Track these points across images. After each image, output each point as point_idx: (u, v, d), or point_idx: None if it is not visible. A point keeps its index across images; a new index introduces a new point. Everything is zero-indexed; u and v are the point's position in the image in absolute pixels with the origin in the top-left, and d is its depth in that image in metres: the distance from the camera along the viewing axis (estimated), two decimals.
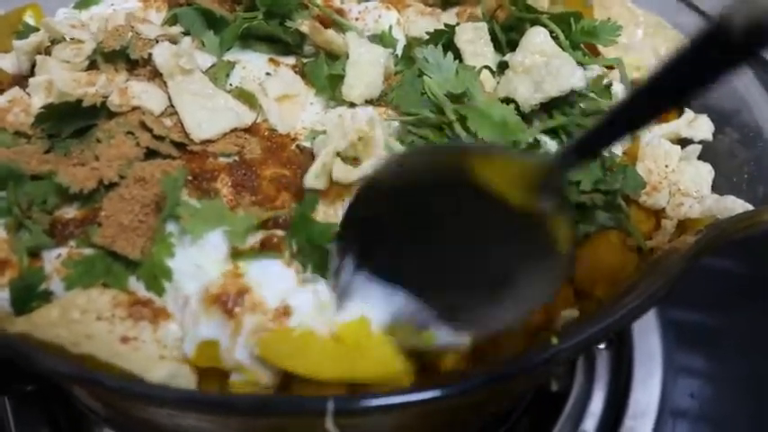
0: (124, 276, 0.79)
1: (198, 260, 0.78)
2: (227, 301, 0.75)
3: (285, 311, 0.75)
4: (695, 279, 1.29)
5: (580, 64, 0.93)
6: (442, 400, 0.66)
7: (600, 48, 1.02)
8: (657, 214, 0.92)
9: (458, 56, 0.95)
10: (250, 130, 0.91)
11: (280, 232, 0.81)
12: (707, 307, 1.36)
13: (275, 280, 0.77)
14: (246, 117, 0.90)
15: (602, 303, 0.83)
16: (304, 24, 0.96)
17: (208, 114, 0.88)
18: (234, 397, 0.71)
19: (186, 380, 0.75)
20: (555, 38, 0.95)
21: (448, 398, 0.66)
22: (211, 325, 0.75)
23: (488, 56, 0.96)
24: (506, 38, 0.99)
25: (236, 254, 0.78)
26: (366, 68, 0.92)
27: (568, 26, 0.97)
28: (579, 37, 0.97)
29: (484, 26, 0.97)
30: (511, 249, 0.71)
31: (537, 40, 0.93)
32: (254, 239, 0.80)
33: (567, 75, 0.87)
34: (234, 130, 0.89)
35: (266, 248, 0.79)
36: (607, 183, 0.85)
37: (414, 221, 0.73)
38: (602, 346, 1.26)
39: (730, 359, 1.30)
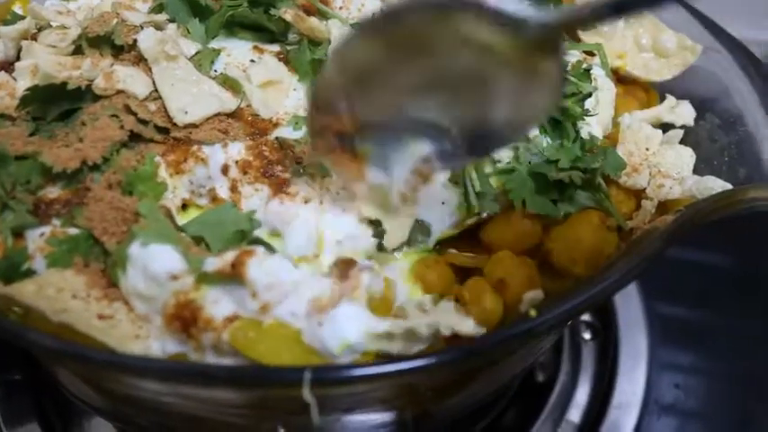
0: (104, 258, 0.80)
1: (147, 263, 0.76)
2: (182, 324, 0.75)
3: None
4: (682, 274, 1.32)
5: None
6: (422, 371, 0.67)
7: (580, 34, 1.04)
8: (638, 195, 0.92)
9: None
10: (234, 114, 0.91)
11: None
12: (693, 301, 1.38)
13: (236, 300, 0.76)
14: (230, 103, 0.91)
15: (582, 281, 0.83)
16: (287, 13, 0.97)
17: (192, 99, 0.89)
18: (210, 367, 0.71)
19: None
20: None
21: (428, 368, 0.67)
22: (175, 341, 0.76)
23: None
24: None
25: (200, 277, 0.76)
26: None
27: None
28: None
29: None
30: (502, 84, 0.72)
31: None
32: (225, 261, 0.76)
33: None
34: (217, 115, 0.90)
35: (236, 272, 0.75)
36: (586, 161, 0.86)
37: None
38: (587, 336, 1.27)
39: (716, 353, 1.31)
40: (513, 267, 0.82)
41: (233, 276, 0.74)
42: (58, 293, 0.75)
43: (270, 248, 0.79)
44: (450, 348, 0.72)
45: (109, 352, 0.71)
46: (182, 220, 0.84)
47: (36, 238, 0.81)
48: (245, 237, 0.81)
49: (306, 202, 0.83)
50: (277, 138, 0.89)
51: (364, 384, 0.69)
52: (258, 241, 0.80)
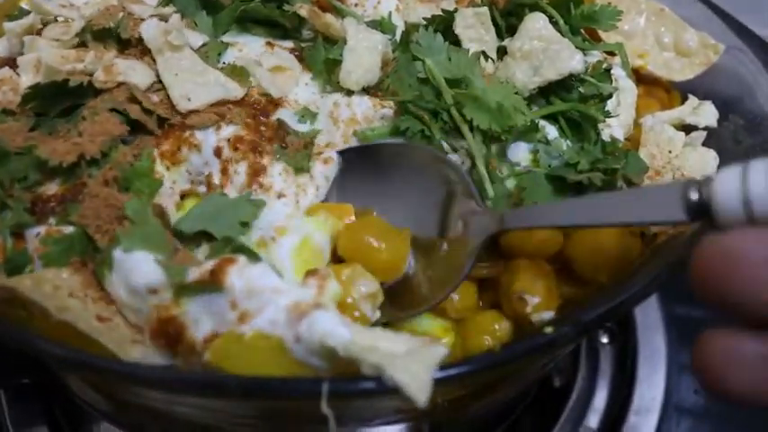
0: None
1: (128, 273, 0.73)
2: (167, 341, 0.71)
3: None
4: None
5: (580, 49, 0.91)
6: (440, 383, 0.65)
7: (601, 34, 1.01)
8: None
9: (457, 42, 0.93)
10: (239, 102, 0.88)
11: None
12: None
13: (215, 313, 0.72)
14: (236, 91, 0.88)
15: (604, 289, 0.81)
16: (302, 8, 0.95)
17: (195, 87, 0.86)
18: (225, 378, 0.68)
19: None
20: (554, 23, 0.93)
21: (446, 380, 0.65)
22: (163, 356, 0.73)
23: (489, 41, 0.94)
24: (506, 23, 0.97)
25: (178, 290, 0.72)
26: (364, 54, 0.90)
27: (568, 11, 0.96)
28: (579, 22, 0.96)
29: (486, 11, 0.95)
30: None
31: (536, 25, 0.91)
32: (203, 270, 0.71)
33: (566, 58, 0.86)
34: (221, 102, 0.87)
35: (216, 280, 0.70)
36: (607, 163, 0.83)
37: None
38: (605, 340, 1.25)
39: None
40: (531, 280, 0.80)
41: (211, 284, 0.70)
42: (55, 291, 0.72)
43: (254, 257, 0.75)
44: (469, 360, 0.70)
45: (119, 362, 0.68)
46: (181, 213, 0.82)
47: (33, 239, 0.78)
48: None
49: (279, 197, 0.82)
50: (278, 119, 0.87)
51: (382, 396, 0.67)
52: (242, 249, 0.76)
